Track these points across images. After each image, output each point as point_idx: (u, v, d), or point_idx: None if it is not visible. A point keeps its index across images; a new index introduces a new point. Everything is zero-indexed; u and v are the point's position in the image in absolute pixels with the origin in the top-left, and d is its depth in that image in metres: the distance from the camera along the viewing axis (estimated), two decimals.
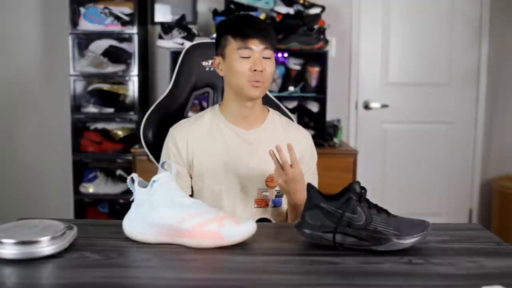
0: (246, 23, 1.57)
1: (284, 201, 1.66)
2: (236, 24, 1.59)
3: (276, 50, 1.65)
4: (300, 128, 1.74)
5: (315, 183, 1.69)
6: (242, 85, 1.56)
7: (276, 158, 1.49)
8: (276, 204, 1.65)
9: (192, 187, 1.67)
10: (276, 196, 1.64)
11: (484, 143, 3.77)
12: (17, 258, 1.08)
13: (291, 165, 1.48)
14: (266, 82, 1.58)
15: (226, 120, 1.64)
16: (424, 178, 3.73)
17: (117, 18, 3.25)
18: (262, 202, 1.63)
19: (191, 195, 1.66)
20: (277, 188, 1.63)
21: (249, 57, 1.55)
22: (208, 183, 1.62)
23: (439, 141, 3.74)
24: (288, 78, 3.34)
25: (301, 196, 1.49)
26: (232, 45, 1.56)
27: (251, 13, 3.14)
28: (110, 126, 3.42)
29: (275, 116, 1.70)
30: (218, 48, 1.62)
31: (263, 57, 1.56)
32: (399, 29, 3.66)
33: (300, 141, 1.67)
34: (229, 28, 1.59)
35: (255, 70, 1.54)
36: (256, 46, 1.55)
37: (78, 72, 3.29)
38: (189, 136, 1.63)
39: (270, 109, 1.71)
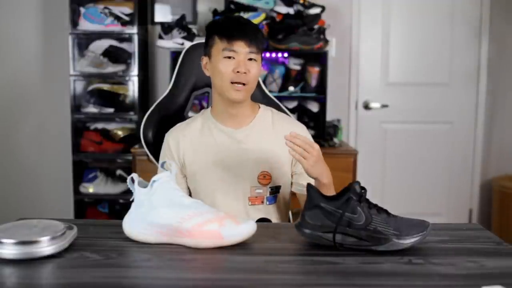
0: (233, 25, 1.58)
1: (281, 197, 1.66)
2: (224, 25, 1.59)
3: (264, 51, 1.66)
4: (294, 120, 1.74)
5: None
6: (225, 87, 1.56)
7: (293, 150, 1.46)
8: (271, 202, 1.65)
9: (189, 188, 1.68)
10: (270, 194, 1.64)
11: (484, 143, 3.77)
12: (17, 258, 1.08)
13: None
14: (249, 84, 1.58)
15: (216, 120, 1.66)
16: (424, 178, 3.73)
17: (117, 18, 3.25)
18: (256, 200, 1.63)
19: (189, 195, 1.67)
20: (270, 185, 1.63)
21: (233, 58, 1.55)
22: (201, 182, 1.64)
23: (439, 141, 3.73)
24: (288, 78, 3.34)
25: (328, 174, 1.51)
26: (218, 45, 1.57)
27: (252, 13, 3.15)
28: (110, 126, 3.42)
29: (267, 112, 1.70)
30: (205, 48, 1.63)
31: (248, 59, 1.56)
32: (399, 29, 3.66)
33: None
34: (217, 28, 1.59)
35: (238, 72, 1.54)
36: (241, 48, 1.55)
37: (78, 72, 3.29)
38: (180, 138, 1.65)
39: (261, 105, 1.71)
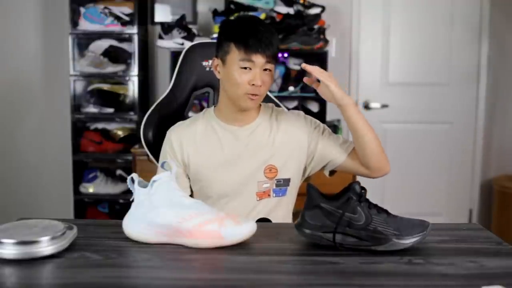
0: (252, 33, 1.54)
1: (289, 191, 1.66)
2: (241, 32, 1.56)
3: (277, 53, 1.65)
4: (290, 112, 1.73)
5: (340, 138, 1.69)
6: (239, 96, 1.56)
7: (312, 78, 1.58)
8: (278, 194, 1.65)
9: (191, 188, 1.68)
10: (276, 186, 1.64)
11: (484, 143, 3.77)
12: (17, 258, 1.08)
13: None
14: (262, 94, 1.59)
15: (220, 120, 1.66)
16: (424, 178, 3.73)
17: (117, 18, 3.25)
18: (263, 194, 1.63)
19: (191, 196, 1.67)
20: (277, 177, 1.63)
21: (249, 69, 1.54)
22: (207, 183, 1.63)
23: (439, 141, 3.73)
24: (288, 78, 3.34)
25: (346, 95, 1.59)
26: (235, 54, 1.55)
27: (251, 13, 3.14)
28: (110, 126, 3.42)
29: (268, 109, 1.71)
30: (219, 50, 1.61)
31: (264, 69, 1.56)
32: (399, 29, 3.66)
33: (296, 123, 1.68)
34: (234, 35, 1.56)
35: (253, 84, 1.54)
36: (259, 60, 1.54)
37: (78, 72, 3.29)
38: (183, 138, 1.64)
39: (261, 103, 1.71)
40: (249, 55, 1.53)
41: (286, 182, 1.65)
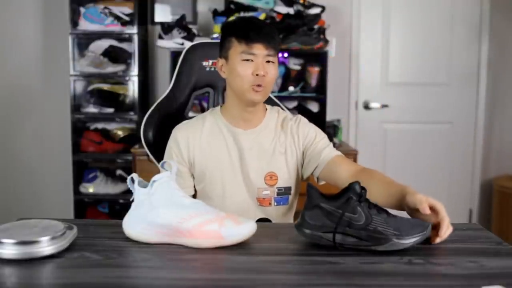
0: (251, 27, 1.57)
1: (291, 200, 1.66)
2: (241, 27, 1.58)
3: (279, 52, 1.65)
4: (293, 120, 1.71)
5: (331, 145, 1.68)
6: (244, 89, 1.56)
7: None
8: (279, 203, 1.65)
9: (195, 187, 1.68)
10: (277, 195, 1.64)
11: (484, 143, 3.77)
12: (17, 258, 1.08)
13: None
14: (268, 86, 1.58)
15: (226, 121, 1.65)
16: (424, 178, 3.72)
17: (117, 18, 3.25)
18: (264, 201, 1.63)
19: (194, 195, 1.67)
20: (278, 186, 1.63)
21: (252, 61, 1.55)
22: (209, 183, 1.63)
23: (439, 141, 3.73)
24: (288, 78, 3.34)
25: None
26: (236, 48, 1.57)
27: (252, 13, 3.15)
28: (110, 126, 3.42)
29: (273, 113, 1.70)
30: (222, 50, 1.63)
31: (266, 61, 1.56)
32: (399, 29, 3.66)
33: (299, 131, 1.68)
34: (234, 30, 1.59)
35: (257, 75, 1.54)
36: (260, 51, 1.55)
37: (78, 72, 3.29)
38: (190, 137, 1.64)
39: (268, 106, 1.71)
40: (250, 46, 1.55)
41: (287, 190, 1.65)
